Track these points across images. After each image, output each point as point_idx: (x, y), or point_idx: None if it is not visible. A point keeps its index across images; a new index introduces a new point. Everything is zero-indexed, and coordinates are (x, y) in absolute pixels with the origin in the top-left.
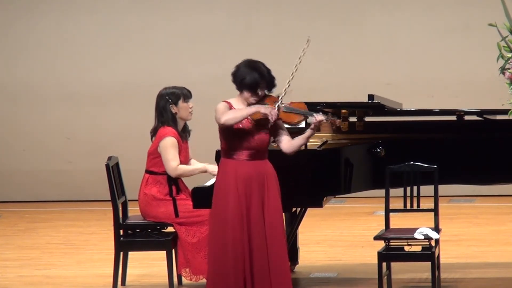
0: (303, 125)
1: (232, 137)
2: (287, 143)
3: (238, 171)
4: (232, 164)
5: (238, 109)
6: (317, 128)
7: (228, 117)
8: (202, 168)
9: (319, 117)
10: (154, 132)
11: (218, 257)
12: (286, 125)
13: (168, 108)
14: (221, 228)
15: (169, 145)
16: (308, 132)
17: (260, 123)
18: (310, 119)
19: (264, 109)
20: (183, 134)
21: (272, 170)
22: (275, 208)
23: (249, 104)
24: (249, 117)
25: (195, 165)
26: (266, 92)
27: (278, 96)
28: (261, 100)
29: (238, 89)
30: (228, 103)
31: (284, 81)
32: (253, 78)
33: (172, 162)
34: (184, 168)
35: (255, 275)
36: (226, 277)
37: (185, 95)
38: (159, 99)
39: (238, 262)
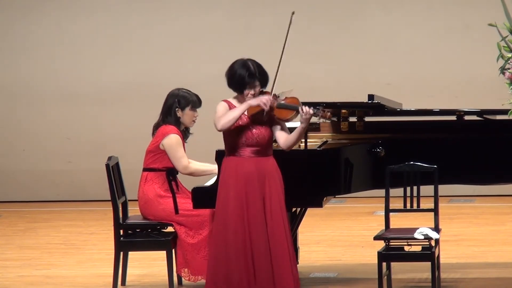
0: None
1: (232, 135)
2: (283, 139)
3: (239, 168)
4: (233, 161)
5: (230, 111)
6: (308, 121)
7: (223, 123)
8: (214, 170)
9: (306, 109)
10: (156, 128)
11: (220, 257)
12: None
13: (174, 110)
14: (222, 228)
15: (175, 143)
16: (300, 126)
17: (257, 117)
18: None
19: (254, 100)
20: (186, 135)
21: (275, 167)
22: (277, 205)
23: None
24: (246, 114)
25: (206, 165)
26: (262, 89)
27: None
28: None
29: (229, 87)
30: (228, 102)
31: (283, 81)
32: (239, 76)
33: (182, 159)
34: (196, 166)
35: (257, 275)
36: (228, 277)
37: (194, 102)
38: (169, 97)
39: (240, 262)
